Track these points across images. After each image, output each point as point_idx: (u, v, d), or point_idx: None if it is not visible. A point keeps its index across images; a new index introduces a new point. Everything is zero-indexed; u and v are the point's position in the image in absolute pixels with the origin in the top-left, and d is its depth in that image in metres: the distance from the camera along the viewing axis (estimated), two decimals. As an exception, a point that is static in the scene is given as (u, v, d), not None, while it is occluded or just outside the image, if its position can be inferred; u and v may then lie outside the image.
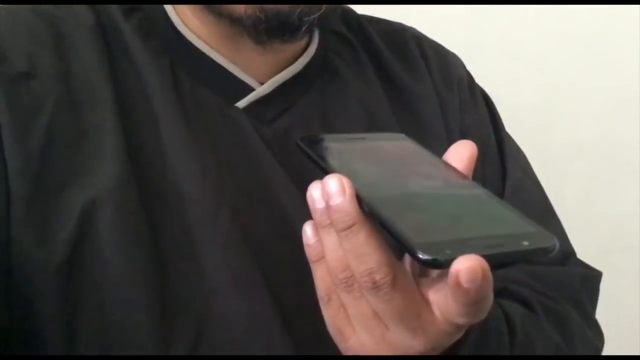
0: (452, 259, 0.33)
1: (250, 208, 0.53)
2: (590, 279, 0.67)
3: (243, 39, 0.54)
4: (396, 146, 0.47)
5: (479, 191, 0.40)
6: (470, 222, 0.37)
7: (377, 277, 0.37)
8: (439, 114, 0.65)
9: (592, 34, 1.24)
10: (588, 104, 1.26)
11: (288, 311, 0.51)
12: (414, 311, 0.38)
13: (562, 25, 1.24)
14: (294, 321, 0.51)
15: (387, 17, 0.71)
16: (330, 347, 0.44)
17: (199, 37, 0.55)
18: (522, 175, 0.68)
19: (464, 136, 0.65)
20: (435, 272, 0.41)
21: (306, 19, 0.51)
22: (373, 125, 0.61)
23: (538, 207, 0.67)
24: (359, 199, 0.37)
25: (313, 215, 0.40)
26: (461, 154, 0.43)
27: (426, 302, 0.39)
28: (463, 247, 0.34)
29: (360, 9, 0.69)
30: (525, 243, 0.35)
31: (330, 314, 0.42)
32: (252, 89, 0.56)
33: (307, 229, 0.41)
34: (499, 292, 0.59)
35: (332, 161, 0.42)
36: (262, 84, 0.57)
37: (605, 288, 0.68)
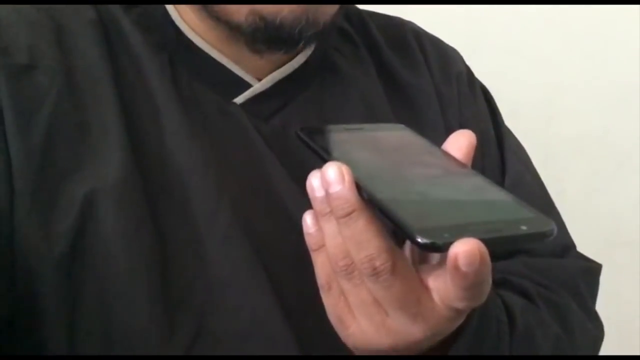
0: (451, 243, 0.33)
1: (251, 202, 0.53)
2: (590, 271, 0.67)
3: (241, 43, 0.54)
4: (395, 136, 0.47)
5: (477, 178, 0.41)
6: (468, 208, 0.38)
7: (377, 263, 0.38)
8: (438, 108, 0.65)
9: (593, 28, 1.24)
10: (589, 99, 1.26)
11: (289, 303, 0.51)
12: (414, 297, 0.39)
13: (563, 19, 1.24)
14: (295, 313, 0.51)
15: (387, 11, 0.71)
16: (332, 338, 0.44)
17: (197, 34, 0.56)
18: (521, 168, 0.68)
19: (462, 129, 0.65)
20: (434, 259, 0.41)
21: (306, 34, 0.52)
22: (372, 119, 0.61)
23: (538, 201, 0.67)
24: (358, 187, 0.38)
25: (313, 203, 0.40)
26: (460, 143, 0.44)
27: (426, 288, 0.39)
28: (462, 232, 0.34)
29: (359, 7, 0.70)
30: (524, 228, 0.35)
31: (330, 302, 0.42)
32: (249, 86, 0.56)
33: (307, 218, 0.42)
34: (499, 284, 0.60)
35: (332, 150, 0.42)
36: (260, 80, 0.57)
37: (606, 282, 0.68)
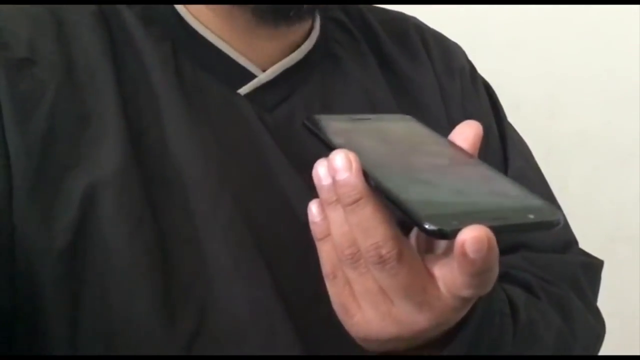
0: (458, 230, 0.33)
1: (253, 194, 0.53)
2: (592, 267, 0.67)
3: (247, 23, 0.54)
4: (402, 126, 0.47)
5: (484, 168, 0.41)
6: (476, 196, 0.38)
7: (383, 251, 0.38)
8: (440, 102, 0.65)
9: (595, 24, 1.24)
10: (591, 95, 1.26)
11: (290, 296, 0.51)
12: (420, 286, 0.39)
13: (566, 15, 1.24)
14: (296, 306, 0.51)
15: (389, 6, 0.71)
16: (334, 331, 0.44)
17: (201, 23, 0.56)
18: (523, 164, 0.68)
19: None
20: (440, 248, 0.41)
21: None
22: (374, 112, 0.61)
23: (540, 195, 0.67)
24: (365, 174, 0.38)
25: (319, 192, 0.40)
26: (466, 133, 0.44)
27: (431, 277, 0.39)
28: (469, 219, 0.34)
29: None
30: (531, 216, 0.35)
31: (335, 291, 0.42)
32: (254, 76, 0.56)
33: (313, 207, 0.42)
34: (501, 277, 0.59)
35: (339, 139, 0.42)
36: (264, 70, 0.57)
37: (607, 277, 0.68)
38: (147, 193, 0.50)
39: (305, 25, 0.60)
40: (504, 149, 0.68)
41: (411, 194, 0.36)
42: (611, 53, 1.25)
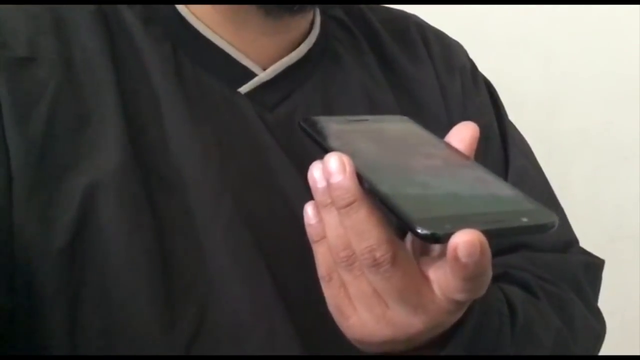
0: (451, 234, 0.33)
1: (253, 193, 0.53)
2: (592, 266, 0.67)
3: (248, 17, 0.54)
4: (398, 127, 0.47)
5: (479, 170, 0.41)
6: (470, 199, 0.38)
7: (378, 254, 0.38)
8: (441, 101, 0.65)
9: (598, 21, 1.24)
10: (593, 93, 1.26)
11: (290, 295, 0.51)
12: (414, 289, 0.39)
13: (567, 13, 1.24)
14: (296, 305, 0.51)
15: (391, 4, 0.71)
16: (333, 330, 0.44)
17: (202, 21, 0.55)
18: (524, 162, 0.68)
19: None
20: (435, 251, 0.41)
21: None
22: (374, 111, 0.61)
23: (540, 195, 0.67)
24: (360, 177, 0.38)
25: (314, 194, 0.40)
26: (463, 134, 0.44)
27: (426, 280, 0.39)
28: (462, 222, 0.34)
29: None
30: (525, 219, 0.35)
31: (331, 293, 0.43)
32: (254, 75, 0.56)
33: (309, 209, 0.42)
34: (500, 277, 0.60)
35: (334, 141, 0.42)
36: (264, 69, 0.57)
37: (609, 276, 0.68)
38: (147, 192, 0.49)
39: (306, 23, 0.60)
40: (504, 147, 0.68)
41: (404, 197, 0.36)
42: (613, 52, 1.24)
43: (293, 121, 0.56)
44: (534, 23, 1.24)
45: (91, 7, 0.54)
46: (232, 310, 0.50)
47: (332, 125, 0.45)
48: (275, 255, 0.52)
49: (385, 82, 0.63)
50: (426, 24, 0.71)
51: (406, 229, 0.35)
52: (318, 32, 0.61)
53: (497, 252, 0.62)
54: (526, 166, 0.68)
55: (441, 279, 0.38)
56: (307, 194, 0.41)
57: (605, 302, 0.66)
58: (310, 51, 0.59)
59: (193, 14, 0.55)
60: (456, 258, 0.34)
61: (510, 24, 1.24)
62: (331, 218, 0.40)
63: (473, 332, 0.46)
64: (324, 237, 0.41)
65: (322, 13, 0.63)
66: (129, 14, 0.55)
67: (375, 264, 0.38)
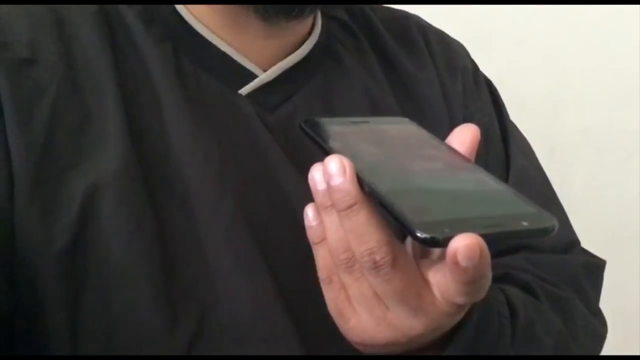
0: (450, 238, 0.33)
1: (254, 194, 0.53)
2: (594, 267, 0.66)
3: (248, 20, 0.54)
4: (399, 129, 0.47)
5: (480, 173, 0.41)
6: (470, 203, 0.38)
7: (378, 257, 0.38)
8: (442, 101, 0.65)
9: (600, 20, 1.23)
10: (595, 92, 1.26)
11: (291, 296, 0.51)
12: (414, 291, 0.39)
13: (569, 12, 1.23)
14: (297, 306, 0.51)
15: (392, 4, 0.71)
16: (334, 330, 0.44)
17: (202, 23, 0.55)
18: (526, 163, 0.68)
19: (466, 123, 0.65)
20: (435, 254, 0.41)
21: None
22: (376, 112, 0.61)
23: (541, 196, 0.67)
24: (360, 180, 0.38)
25: (314, 196, 0.40)
26: (464, 137, 0.43)
27: (426, 282, 0.39)
28: (462, 226, 0.34)
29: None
30: (525, 223, 0.35)
31: (331, 296, 0.43)
32: (255, 76, 0.56)
33: (309, 211, 0.42)
34: (501, 278, 0.59)
35: (334, 143, 0.42)
36: (265, 71, 0.57)
37: (610, 275, 0.68)
38: (148, 192, 0.50)
39: (307, 25, 0.60)
40: (505, 147, 0.68)
41: (404, 200, 0.36)
42: (615, 51, 1.24)
43: (294, 122, 0.56)
44: (535, 22, 1.24)
45: (92, 7, 0.54)
46: (234, 311, 0.50)
47: (333, 127, 0.45)
48: (276, 256, 0.52)
49: (387, 83, 0.63)
50: (428, 24, 0.71)
51: (405, 232, 0.35)
52: (319, 33, 0.61)
53: (498, 253, 0.62)
54: (527, 166, 0.68)
55: (441, 282, 0.38)
56: (307, 195, 0.41)
57: (606, 301, 0.66)
58: (311, 52, 0.59)
59: (193, 15, 0.55)
60: (456, 262, 0.34)
61: (511, 23, 1.24)
62: (331, 220, 0.40)
63: (473, 334, 0.46)
64: (324, 239, 0.41)
65: (324, 14, 0.62)
66: (130, 15, 0.55)
67: (376, 267, 0.38)
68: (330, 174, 0.38)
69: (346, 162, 0.38)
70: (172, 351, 0.48)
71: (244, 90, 0.56)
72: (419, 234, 0.33)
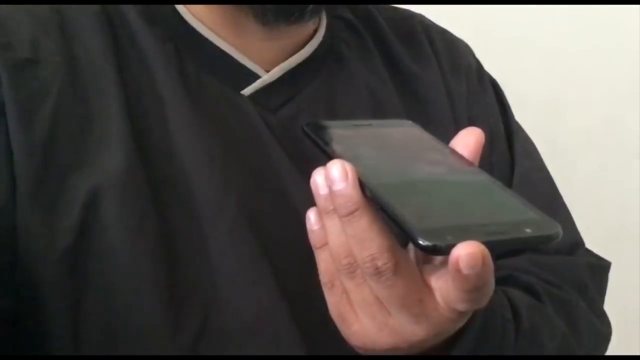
0: (453, 245, 0.33)
1: (256, 195, 0.53)
2: (599, 268, 0.66)
3: (248, 23, 0.54)
4: (402, 132, 0.47)
5: (483, 178, 0.40)
6: (473, 209, 0.37)
7: (379, 262, 0.38)
8: (446, 101, 0.65)
9: (601, 20, 1.23)
10: (597, 91, 1.25)
11: (294, 298, 0.51)
12: (416, 297, 0.39)
13: (571, 11, 1.23)
14: (300, 308, 0.51)
15: (395, 3, 0.70)
16: (336, 332, 0.44)
17: (203, 23, 0.55)
18: (530, 163, 0.68)
19: (471, 124, 0.64)
20: (438, 259, 0.41)
21: None
22: (380, 112, 0.61)
23: (546, 196, 0.67)
24: (362, 184, 0.38)
25: (316, 201, 0.40)
26: (468, 140, 0.43)
27: (428, 288, 0.39)
28: (464, 234, 0.34)
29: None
30: (528, 230, 0.35)
31: (333, 300, 0.42)
32: (257, 77, 0.56)
33: (311, 215, 0.42)
34: (505, 280, 0.59)
35: (337, 147, 0.42)
36: (267, 71, 0.56)
37: (612, 275, 0.67)
38: (151, 193, 0.49)
39: (311, 26, 0.59)
40: (510, 147, 0.67)
41: (406, 206, 0.36)
42: (616, 50, 1.23)
43: (296, 123, 0.56)
44: (537, 22, 1.23)
45: (95, 8, 0.53)
46: (237, 313, 0.50)
47: (335, 130, 0.45)
48: (279, 258, 0.52)
49: (391, 83, 0.63)
50: (432, 23, 0.71)
51: (408, 239, 0.34)
52: (324, 33, 0.61)
53: (502, 255, 0.62)
54: (532, 167, 0.68)
55: (443, 288, 0.38)
56: (310, 196, 0.41)
57: (608, 301, 0.66)
58: (315, 52, 0.59)
59: (193, 15, 0.55)
60: (458, 270, 0.33)
61: (513, 22, 1.24)
62: (333, 225, 0.40)
63: (476, 339, 0.46)
64: (326, 243, 0.41)
65: (328, 13, 0.62)
66: (132, 15, 0.54)
67: (377, 273, 0.38)
68: (332, 179, 0.38)
69: (348, 167, 0.38)
70: (175, 352, 0.48)
71: (247, 91, 0.55)
72: (421, 242, 0.33)
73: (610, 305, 0.66)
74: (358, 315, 0.41)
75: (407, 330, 0.40)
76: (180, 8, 0.55)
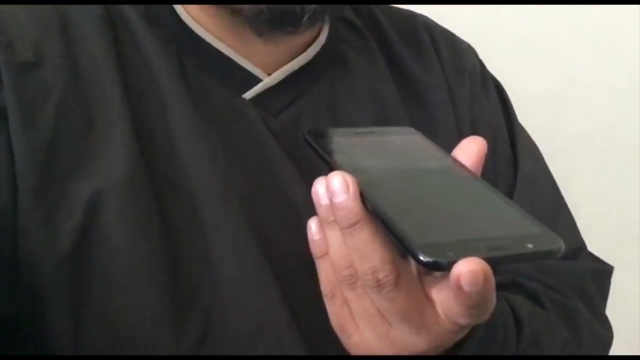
0: (454, 262, 0.33)
1: (259, 198, 0.53)
2: (601, 273, 0.66)
3: (246, 29, 0.53)
4: (404, 141, 0.46)
5: (485, 189, 0.40)
6: (474, 223, 0.37)
7: (380, 275, 0.37)
8: (449, 104, 0.64)
9: (603, 22, 1.22)
10: (597, 94, 1.25)
11: (296, 303, 0.51)
12: (417, 310, 0.38)
13: (572, 13, 1.22)
14: (302, 313, 0.51)
15: (397, 4, 0.70)
16: (339, 340, 0.44)
17: (203, 27, 0.55)
18: (533, 167, 0.67)
19: (474, 127, 0.64)
20: (439, 272, 0.41)
21: (308, 7, 0.51)
22: (382, 115, 0.60)
23: (549, 200, 0.67)
24: (363, 197, 0.37)
25: (318, 211, 0.40)
26: (470, 149, 0.43)
27: (430, 300, 0.39)
28: (465, 249, 0.33)
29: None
30: (530, 245, 0.35)
31: (334, 311, 0.42)
32: (259, 80, 0.55)
33: (312, 225, 0.42)
34: (507, 286, 0.59)
35: (338, 156, 0.42)
36: (269, 74, 0.56)
37: (613, 277, 0.67)
38: (153, 196, 0.49)
39: (314, 29, 0.59)
40: (513, 150, 0.67)
41: (407, 220, 0.35)
42: (617, 52, 1.23)
43: (298, 127, 0.56)
44: (538, 23, 1.23)
45: (98, 10, 0.53)
46: (239, 316, 0.49)
47: (337, 139, 0.45)
48: (281, 262, 0.51)
49: (394, 85, 0.63)
50: (435, 24, 0.70)
51: (409, 254, 0.34)
52: (326, 35, 0.60)
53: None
54: (535, 170, 0.67)
55: (444, 301, 0.38)
56: (312, 201, 0.41)
57: (611, 305, 0.66)
58: (317, 55, 0.59)
59: (193, 18, 0.55)
60: (459, 287, 0.33)
61: (513, 24, 1.23)
62: (334, 235, 0.40)
63: (478, 348, 0.46)
64: (327, 253, 0.41)
65: (330, 15, 0.62)
66: (134, 17, 0.54)
67: (378, 285, 0.38)
68: (333, 191, 0.38)
69: (349, 179, 0.37)
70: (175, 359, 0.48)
71: (248, 95, 0.55)
72: (421, 258, 0.33)
73: (611, 308, 0.66)
74: (359, 326, 0.41)
75: (408, 342, 0.40)
76: (180, 11, 0.55)
